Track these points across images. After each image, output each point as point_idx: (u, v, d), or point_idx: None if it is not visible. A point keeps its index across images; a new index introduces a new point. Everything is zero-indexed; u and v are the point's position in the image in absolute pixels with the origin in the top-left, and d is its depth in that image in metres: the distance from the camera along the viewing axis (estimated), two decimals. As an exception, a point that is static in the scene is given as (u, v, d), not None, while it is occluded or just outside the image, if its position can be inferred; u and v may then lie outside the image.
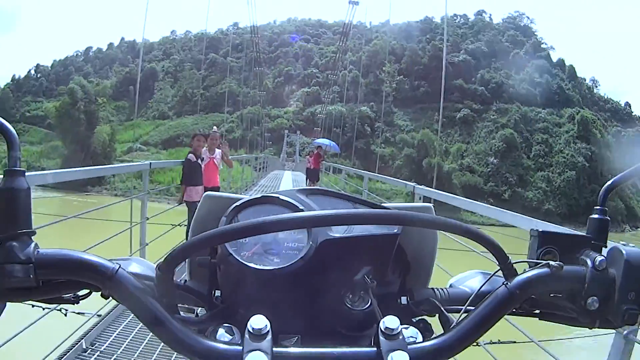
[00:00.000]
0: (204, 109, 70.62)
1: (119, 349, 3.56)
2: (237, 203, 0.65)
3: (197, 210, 0.68)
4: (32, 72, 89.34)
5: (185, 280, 0.66)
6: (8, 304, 0.51)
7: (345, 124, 53.76)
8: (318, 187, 0.71)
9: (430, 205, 0.73)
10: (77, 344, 3.44)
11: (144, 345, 3.66)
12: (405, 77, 64.07)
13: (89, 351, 3.48)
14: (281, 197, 0.65)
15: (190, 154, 6.69)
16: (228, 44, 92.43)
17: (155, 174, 37.50)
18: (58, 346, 3.22)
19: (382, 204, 0.70)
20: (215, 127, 8.36)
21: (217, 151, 7.05)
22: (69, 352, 3.31)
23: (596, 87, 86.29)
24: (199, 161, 6.69)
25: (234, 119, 63.33)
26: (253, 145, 53.22)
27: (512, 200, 48.39)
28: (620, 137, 66.53)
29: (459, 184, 45.85)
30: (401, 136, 50.76)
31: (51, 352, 3.10)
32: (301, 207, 0.64)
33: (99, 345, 3.62)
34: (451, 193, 4.18)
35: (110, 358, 3.44)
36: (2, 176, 0.51)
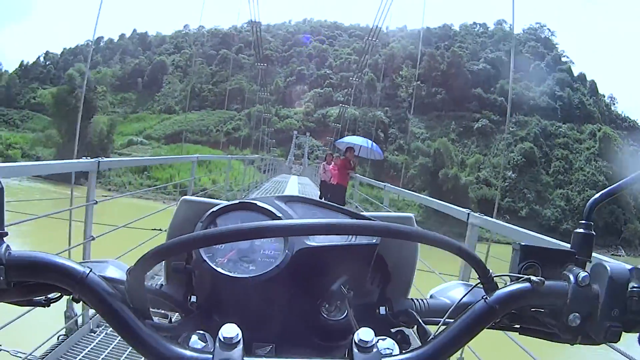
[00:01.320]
0: (211, 105, 68.40)
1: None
2: (214, 209, 0.64)
3: (173, 215, 0.67)
4: (42, 59, 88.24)
5: (162, 285, 0.65)
6: None
7: (358, 127, 51.15)
8: (297, 195, 0.70)
9: (411, 215, 0.71)
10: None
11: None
12: (423, 83, 61.45)
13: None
14: (258, 203, 0.65)
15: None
16: (241, 40, 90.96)
17: (153, 170, 35.26)
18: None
19: (362, 214, 0.69)
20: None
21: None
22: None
23: (614, 104, 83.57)
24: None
25: (242, 117, 61.11)
26: (259, 145, 50.82)
27: (528, 217, 45.83)
28: (637, 156, 63.85)
29: (475, 197, 43.24)
30: (416, 144, 48.22)
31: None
32: (279, 215, 0.63)
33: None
34: (465, 207, 3.59)
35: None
36: None
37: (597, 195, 0.60)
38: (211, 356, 0.44)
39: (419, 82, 61.24)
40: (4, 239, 0.48)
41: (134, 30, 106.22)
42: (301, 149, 57.21)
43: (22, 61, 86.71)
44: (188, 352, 0.46)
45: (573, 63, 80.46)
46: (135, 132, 64.78)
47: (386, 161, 49.37)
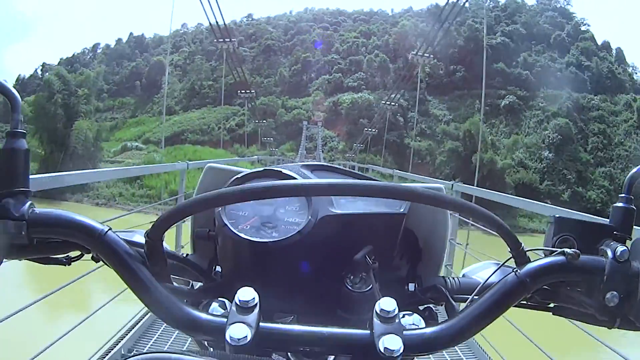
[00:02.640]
0: (213, 102, 63.82)
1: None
2: (238, 175, 0.64)
3: (199, 182, 0.68)
4: (39, 71, 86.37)
5: (188, 255, 0.65)
6: (5, 261, 0.51)
7: (374, 114, 46.26)
8: (323, 163, 0.69)
9: (441, 186, 0.67)
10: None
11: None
12: (439, 61, 56.23)
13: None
14: (284, 171, 0.64)
15: None
16: (241, 34, 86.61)
17: (146, 177, 30.84)
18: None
19: (389, 183, 0.62)
20: None
21: None
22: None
23: (635, 73, 77.86)
24: None
25: (245, 112, 56.51)
26: (266, 141, 46.29)
27: (572, 202, 40.74)
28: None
29: (511, 182, 38.22)
30: (442, 127, 43.20)
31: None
32: None
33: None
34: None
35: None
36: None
37: (635, 168, 0.56)
38: (226, 319, 0.44)
39: (435, 60, 56.03)
40: (28, 197, 0.50)
41: (131, 34, 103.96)
42: (313, 141, 52.38)
43: (19, 75, 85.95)
44: (203, 316, 0.46)
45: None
46: (134, 136, 61.27)
47: (408, 148, 44.53)
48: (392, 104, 39.41)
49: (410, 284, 0.65)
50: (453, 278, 0.65)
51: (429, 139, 46.14)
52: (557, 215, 0.55)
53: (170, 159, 32.32)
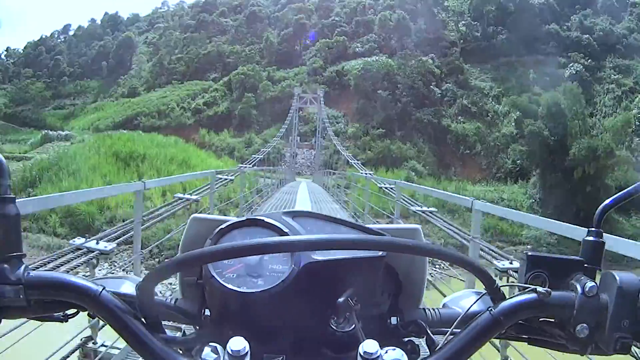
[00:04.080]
0: (182, 78, 50.13)
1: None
2: (222, 226, 0.66)
3: (184, 232, 0.70)
4: (3, 56, 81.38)
5: (177, 299, 0.67)
6: (3, 320, 0.54)
7: (397, 83, 32.83)
8: (305, 210, 0.72)
9: (418, 227, 0.71)
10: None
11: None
12: (474, 21, 42.65)
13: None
14: (266, 219, 0.66)
15: None
16: (225, 6, 73.42)
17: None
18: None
19: (369, 226, 0.70)
20: None
21: None
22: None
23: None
24: None
25: (219, 87, 42.81)
26: (246, 123, 32.93)
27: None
28: None
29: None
30: (513, 98, 29.52)
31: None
32: (286, 230, 0.65)
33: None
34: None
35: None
36: None
37: (607, 200, 0.59)
38: None
39: (469, 20, 42.49)
40: (22, 260, 0.53)
41: (105, 13, 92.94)
42: (310, 124, 38.70)
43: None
44: None
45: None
46: (89, 125, 48.68)
47: (449, 132, 31.18)
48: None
49: (392, 318, 0.67)
50: (433, 309, 0.68)
51: (475, 119, 32.65)
52: (530, 253, 0.58)
53: (92, 152, 21.82)
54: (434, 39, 40.84)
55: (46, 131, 36.57)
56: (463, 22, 41.60)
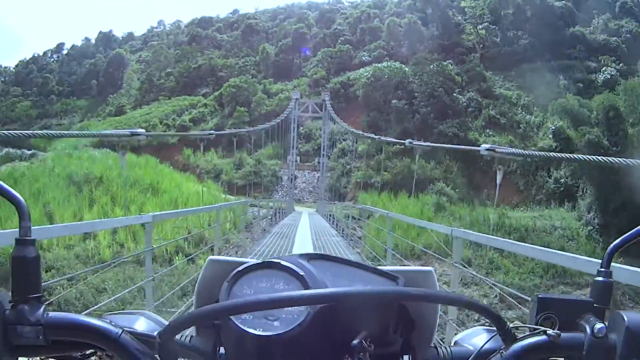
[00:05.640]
0: (171, 93, 45.96)
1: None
2: (239, 268, 0.68)
3: (201, 274, 0.72)
4: None
5: (192, 336, 0.69)
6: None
7: (413, 92, 28.37)
8: (320, 253, 0.74)
9: (431, 269, 0.72)
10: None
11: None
12: (492, 24, 38.46)
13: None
14: (282, 262, 0.68)
15: None
16: (221, 22, 70.26)
17: None
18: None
19: (382, 269, 0.71)
20: None
21: None
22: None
23: None
24: None
25: (209, 102, 38.43)
26: (237, 141, 28.39)
27: None
28: None
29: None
30: (561, 102, 24.89)
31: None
32: (302, 273, 0.66)
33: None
34: None
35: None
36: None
37: (617, 241, 0.60)
38: None
39: (487, 23, 38.24)
40: (41, 301, 0.55)
41: (100, 32, 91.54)
42: (312, 141, 34.06)
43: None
44: None
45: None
46: (70, 145, 44.45)
47: (480, 145, 26.75)
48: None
49: (404, 356, 0.68)
50: (445, 347, 0.69)
51: (505, 132, 28.05)
52: (540, 296, 0.59)
53: (44, 174, 18.28)
54: (449, 45, 36.65)
55: (8, 149, 32.09)
56: (481, 25, 37.31)
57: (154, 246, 5.02)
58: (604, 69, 35.51)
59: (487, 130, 28.11)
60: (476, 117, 28.79)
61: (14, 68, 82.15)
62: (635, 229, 0.58)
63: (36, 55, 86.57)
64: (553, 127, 26.15)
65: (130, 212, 13.77)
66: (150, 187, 16.30)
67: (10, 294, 0.54)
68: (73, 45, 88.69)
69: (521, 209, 22.72)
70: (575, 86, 33.03)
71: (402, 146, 23.83)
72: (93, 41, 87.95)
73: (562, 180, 24.20)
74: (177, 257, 11.31)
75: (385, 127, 27.88)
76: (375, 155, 27.07)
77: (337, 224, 15.27)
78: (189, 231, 12.33)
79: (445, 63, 30.09)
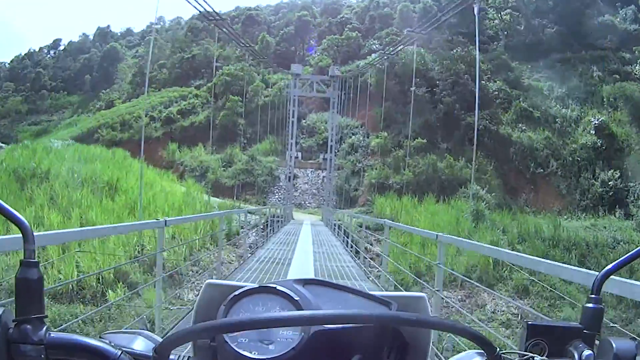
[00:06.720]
0: (163, 85, 42.70)
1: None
2: (236, 292, 0.68)
3: (199, 297, 0.73)
4: None
5: (189, 357, 0.70)
6: None
7: (435, 79, 24.81)
8: (315, 278, 0.75)
9: (424, 295, 0.74)
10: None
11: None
12: (516, 11, 34.85)
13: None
14: (278, 287, 0.68)
15: None
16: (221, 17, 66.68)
17: None
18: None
19: (375, 294, 0.72)
20: None
21: None
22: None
23: None
24: None
25: (201, 93, 35.01)
26: (229, 135, 24.86)
27: None
28: None
29: None
30: (619, 85, 21.54)
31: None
32: (297, 298, 0.66)
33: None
34: None
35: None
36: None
37: (609, 266, 0.60)
38: None
39: (510, 10, 34.60)
40: (44, 321, 0.56)
41: (98, 28, 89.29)
42: (315, 136, 30.75)
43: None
44: None
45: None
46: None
47: (511, 143, 23.09)
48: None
49: None
50: None
51: (540, 127, 24.36)
52: (530, 322, 0.59)
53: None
54: (468, 33, 33.09)
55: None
56: (505, 11, 33.73)
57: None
58: (639, 59, 31.86)
59: (520, 125, 24.49)
60: (506, 110, 25.18)
61: (8, 64, 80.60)
62: (628, 254, 0.57)
63: (32, 50, 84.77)
64: (596, 122, 22.52)
65: (69, 220, 10.16)
66: (107, 184, 12.70)
67: (14, 313, 0.55)
68: (70, 42, 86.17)
69: (564, 216, 19.06)
70: (611, 77, 29.35)
71: (423, 139, 20.35)
72: (91, 37, 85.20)
73: (610, 182, 20.58)
74: (117, 287, 7.69)
75: (403, 119, 24.06)
76: (393, 151, 23.43)
77: (353, 244, 11.03)
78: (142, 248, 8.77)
79: (470, 47, 26.45)
